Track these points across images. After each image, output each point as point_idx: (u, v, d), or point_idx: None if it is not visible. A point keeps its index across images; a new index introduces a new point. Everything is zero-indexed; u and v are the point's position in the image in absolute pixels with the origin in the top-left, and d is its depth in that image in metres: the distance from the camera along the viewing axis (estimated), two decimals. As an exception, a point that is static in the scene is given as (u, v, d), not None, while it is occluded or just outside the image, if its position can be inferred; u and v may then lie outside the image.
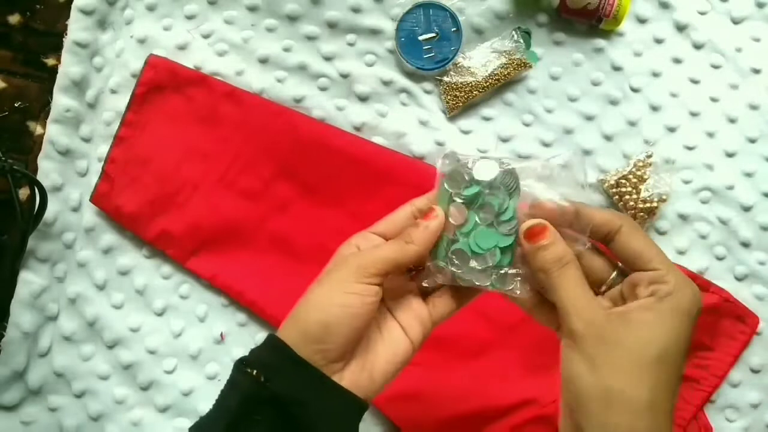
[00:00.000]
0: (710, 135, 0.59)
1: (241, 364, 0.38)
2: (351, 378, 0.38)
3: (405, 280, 0.43)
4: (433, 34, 0.56)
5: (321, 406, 0.37)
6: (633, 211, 0.57)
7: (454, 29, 0.57)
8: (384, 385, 0.40)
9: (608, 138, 0.58)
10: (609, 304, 0.39)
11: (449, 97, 0.57)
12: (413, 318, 0.42)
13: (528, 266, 0.39)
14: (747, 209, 0.58)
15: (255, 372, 0.37)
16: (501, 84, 0.57)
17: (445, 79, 0.56)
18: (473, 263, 0.40)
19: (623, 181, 0.57)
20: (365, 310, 0.38)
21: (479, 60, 0.56)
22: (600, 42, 0.59)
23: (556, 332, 0.41)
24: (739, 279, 0.58)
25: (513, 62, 0.57)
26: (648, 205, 0.57)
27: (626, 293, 0.38)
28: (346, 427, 0.38)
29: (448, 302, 0.42)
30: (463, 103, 0.57)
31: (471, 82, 0.56)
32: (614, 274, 0.39)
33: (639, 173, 0.57)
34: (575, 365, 0.38)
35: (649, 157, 0.57)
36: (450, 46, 0.57)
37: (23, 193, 0.56)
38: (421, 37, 0.57)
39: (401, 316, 0.42)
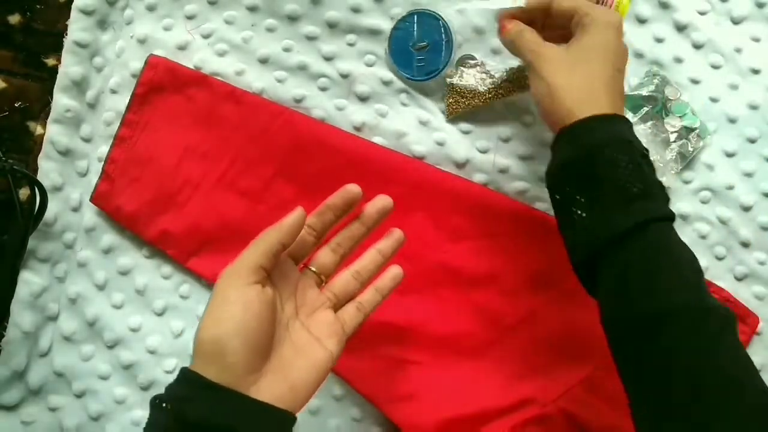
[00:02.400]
0: (710, 135, 0.59)
1: (155, 401, 0.38)
2: (270, 391, 0.39)
3: (317, 294, 0.45)
4: (424, 44, 0.56)
5: (247, 425, 0.37)
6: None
7: (446, 40, 0.57)
8: (308, 397, 0.40)
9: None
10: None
11: (451, 100, 0.57)
12: (326, 330, 0.43)
13: None
14: (747, 209, 0.58)
15: (170, 406, 0.37)
16: (505, 97, 0.57)
17: (452, 80, 0.56)
18: None
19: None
20: (250, 314, 0.39)
21: (490, 71, 0.57)
22: (600, 42, 0.59)
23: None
24: (738, 279, 0.58)
25: (520, 78, 0.56)
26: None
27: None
28: None
29: (354, 314, 0.45)
30: (463, 108, 0.57)
31: (477, 91, 0.56)
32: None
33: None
34: (538, 85, 0.47)
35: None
36: (440, 57, 0.57)
37: (23, 193, 0.56)
38: (411, 47, 0.57)
39: (315, 329, 0.43)
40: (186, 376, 0.38)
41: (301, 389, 0.40)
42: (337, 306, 0.45)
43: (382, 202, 0.46)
